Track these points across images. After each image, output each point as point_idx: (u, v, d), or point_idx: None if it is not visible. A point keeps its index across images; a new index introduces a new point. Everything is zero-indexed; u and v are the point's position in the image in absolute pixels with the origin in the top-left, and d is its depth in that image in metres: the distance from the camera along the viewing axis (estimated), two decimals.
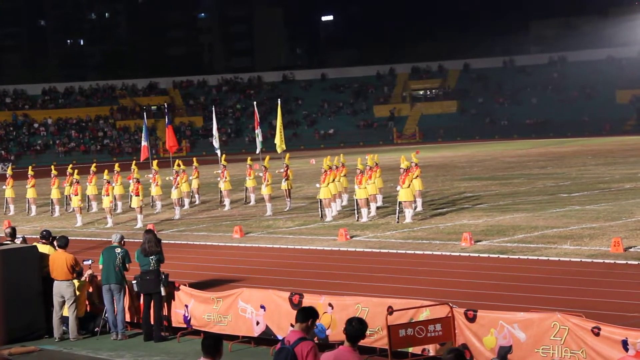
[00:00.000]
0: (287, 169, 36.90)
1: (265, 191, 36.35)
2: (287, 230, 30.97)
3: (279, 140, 40.71)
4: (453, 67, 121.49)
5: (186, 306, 17.92)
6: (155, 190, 39.70)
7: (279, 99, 45.52)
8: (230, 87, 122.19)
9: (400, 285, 20.26)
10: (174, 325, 18.20)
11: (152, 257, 18.06)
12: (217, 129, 48.72)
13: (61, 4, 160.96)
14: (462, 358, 8.89)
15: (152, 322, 18.01)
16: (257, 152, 42.06)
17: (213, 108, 53.60)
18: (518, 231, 27.03)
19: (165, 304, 18.19)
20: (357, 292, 18.34)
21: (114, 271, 18.25)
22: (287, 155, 38.88)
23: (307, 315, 10.02)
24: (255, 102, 49.15)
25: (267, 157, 38.83)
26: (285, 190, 37.28)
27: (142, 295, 18.35)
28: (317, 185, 33.72)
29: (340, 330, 11.06)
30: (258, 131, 44.55)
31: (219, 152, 44.55)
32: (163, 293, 18.00)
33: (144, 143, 48.14)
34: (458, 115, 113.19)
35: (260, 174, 37.51)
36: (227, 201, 39.53)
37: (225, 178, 39.51)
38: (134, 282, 18.25)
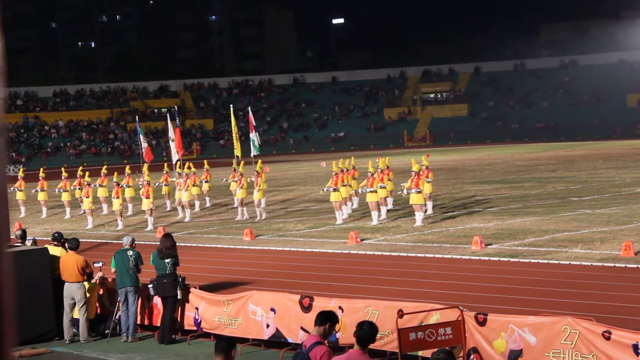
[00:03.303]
0: (242, 177, 36.39)
1: (256, 196, 36.00)
2: (297, 233, 30.98)
3: (237, 145, 41.14)
4: (464, 70, 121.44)
5: (197, 309, 17.94)
6: (164, 190, 39.86)
7: (231, 105, 45.50)
8: (240, 90, 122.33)
9: (411, 288, 20.24)
10: (184, 327, 18.21)
11: (168, 260, 18.07)
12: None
13: (72, 6, 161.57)
14: (453, 357, 8.83)
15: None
16: (252, 155, 42.25)
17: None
18: (528, 235, 26.98)
19: (180, 307, 18.21)
20: (368, 295, 18.31)
21: (128, 274, 18.26)
22: (243, 163, 38.55)
23: (324, 319, 9.97)
24: (249, 107, 49.40)
25: (260, 162, 38.81)
26: (239, 199, 36.72)
27: (155, 297, 18.39)
28: (325, 189, 33.61)
29: (351, 334, 11.04)
30: (252, 135, 44.57)
31: (173, 160, 44.29)
32: (179, 296, 18.02)
33: (145, 145, 48.84)
34: (469, 119, 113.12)
35: (253, 179, 37.24)
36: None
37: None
38: (149, 285, 18.24)
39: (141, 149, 49.26)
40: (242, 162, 38.62)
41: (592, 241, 25.00)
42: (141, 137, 50.26)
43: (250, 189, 37.40)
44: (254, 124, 42.20)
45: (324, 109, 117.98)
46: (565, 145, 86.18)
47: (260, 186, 35.70)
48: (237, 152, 41.46)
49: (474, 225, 29.91)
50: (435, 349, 9.95)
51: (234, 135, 42.56)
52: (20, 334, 17.26)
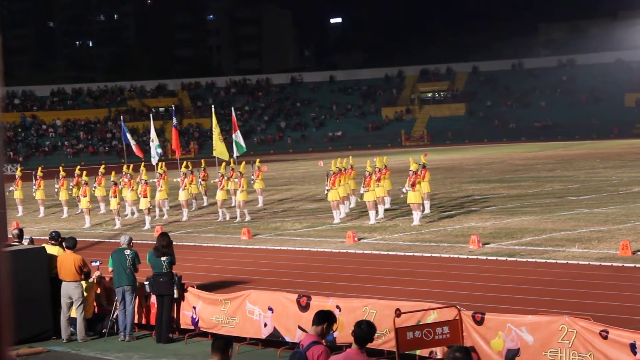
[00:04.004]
0: (222, 179, 36.46)
1: (239, 197, 35.91)
2: (295, 232, 30.97)
3: (222, 149, 41.11)
4: (461, 69, 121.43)
5: (194, 308, 17.93)
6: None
7: (212, 106, 45.71)
8: (238, 89, 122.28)
9: (408, 287, 20.24)
10: (181, 326, 18.21)
11: (164, 258, 18.07)
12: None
13: (70, 5, 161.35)
14: (470, 356, 8.81)
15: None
16: (234, 156, 42.39)
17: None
18: (526, 234, 26.98)
19: (176, 306, 18.20)
20: (365, 294, 18.30)
21: (125, 273, 18.25)
22: (224, 164, 38.58)
23: (322, 319, 9.96)
24: (233, 108, 49.57)
25: (243, 163, 38.82)
26: (220, 200, 36.75)
27: (152, 295, 18.38)
28: (327, 189, 33.54)
29: (348, 333, 11.05)
30: (235, 135, 44.71)
31: (155, 159, 44.38)
32: (176, 295, 18.02)
33: (133, 143, 49.58)
34: (466, 118, 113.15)
35: (236, 180, 37.13)
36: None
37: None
38: (146, 283, 18.26)
39: (131, 146, 49.94)
40: (224, 164, 38.74)
41: (589, 240, 25.01)
42: (128, 135, 50.82)
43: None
44: (237, 124, 42.50)
45: (321, 108, 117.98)
46: (563, 145, 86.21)
47: (243, 187, 35.64)
48: (216, 153, 41.54)
49: (471, 225, 29.91)
50: (451, 346, 9.93)
51: (214, 136, 42.65)
52: (17, 333, 17.25)
